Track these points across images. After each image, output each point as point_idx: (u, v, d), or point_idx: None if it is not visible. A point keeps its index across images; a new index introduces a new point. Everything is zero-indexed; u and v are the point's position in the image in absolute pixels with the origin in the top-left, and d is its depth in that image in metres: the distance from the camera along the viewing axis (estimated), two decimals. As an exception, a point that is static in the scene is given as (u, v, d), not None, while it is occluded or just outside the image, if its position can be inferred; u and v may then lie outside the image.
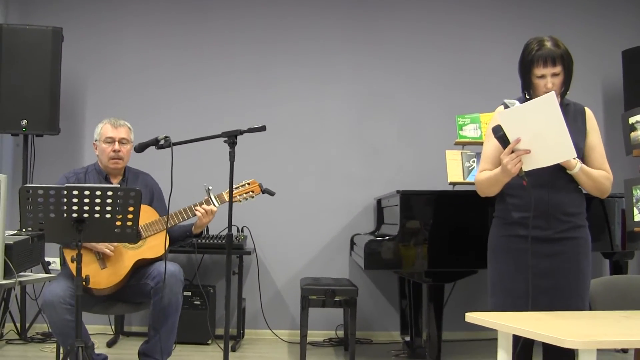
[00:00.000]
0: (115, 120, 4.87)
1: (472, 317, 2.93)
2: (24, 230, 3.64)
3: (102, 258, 4.53)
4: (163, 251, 4.62)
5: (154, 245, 4.63)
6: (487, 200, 3.71)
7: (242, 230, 6.46)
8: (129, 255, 4.58)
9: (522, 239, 3.46)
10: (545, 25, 6.42)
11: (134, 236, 3.81)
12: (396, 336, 6.51)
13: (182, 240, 4.90)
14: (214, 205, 4.66)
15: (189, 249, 5.92)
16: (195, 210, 4.65)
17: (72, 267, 4.16)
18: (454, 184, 5.47)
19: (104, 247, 4.50)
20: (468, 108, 5.97)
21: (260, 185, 4.77)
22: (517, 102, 3.42)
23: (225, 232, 6.02)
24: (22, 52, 5.99)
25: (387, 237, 5.00)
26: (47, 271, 5.69)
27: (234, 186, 4.64)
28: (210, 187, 4.66)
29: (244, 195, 4.74)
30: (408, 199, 5.01)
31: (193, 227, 4.77)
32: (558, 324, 2.79)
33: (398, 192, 5.04)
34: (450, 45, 6.86)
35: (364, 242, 5.04)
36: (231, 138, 4.07)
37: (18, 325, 6.15)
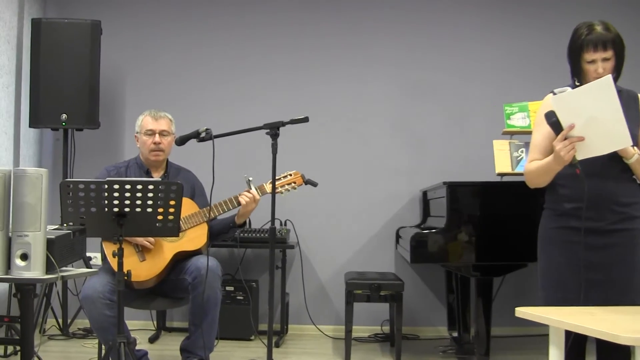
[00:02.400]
0: (155, 112, 4.90)
1: (522, 311, 2.91)
2: (65, 225, 3.68)
3: (141, 251, 4.57)
4: (203, 243, 4.65)
5: (194, 238, 4.66)
6: (537, 191, 3.68)
7: (285, 224, 6.47)
8: (168, 248, 4.61)
9: (573, 231, 3.42)
10: (598, 10, 6.33)
11: (175, 231, 3.83)
12: (443, 332, 6.48)
13: (225, 232, 4.91)
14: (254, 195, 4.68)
15: (231, 243, 5.93)
16: (239, 198, 4.66)
17: (113, 262, 4.21)
18: (502, 174, 5.41)
19: (144, 239, 4.54)
20: (516, 96, 5.92)
21: (302, 176, 4.77)
22: (568, 89, 3.37)
23: (267, 226, 6.05)
24: (61, 47, 6.04)
25: (433, 230, 4.97)
26: (88, 266, 5.75)
27: (278, 177, 4.66)
28: (250, 178, 4.67)
29: (286, 186, 4.74)
30: (455, 190, 4.98)
31: (236, 217, 4.78)
32: (612, 319, 2.75)
33: (444, 183, 5.01)
34: (499, 30, 6.79)
35: (409, 235, 5.02)
36: (273, 130, 4.08)
37: (60, 320, 6.23)
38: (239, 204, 4.67)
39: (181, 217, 4.49)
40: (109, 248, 4.51)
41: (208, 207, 4.59)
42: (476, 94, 6.74)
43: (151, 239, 4.55)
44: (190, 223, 4.64)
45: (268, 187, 4.71)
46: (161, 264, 4.56)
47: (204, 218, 4.65)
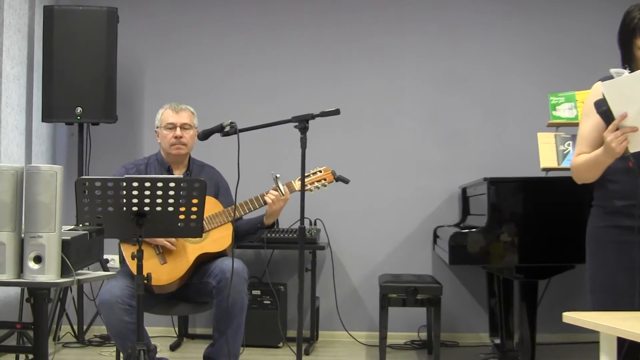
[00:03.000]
0: (176, 105, 4.92)
1: (570, 317, 2.89)
2: (80, 225, 3.69)
3: (162, 252, 4.58)
4: (227, 244, 4.66)
5: (218, 238, 4.66)
6: (585, 187, 3.65)
7: (315, 223, 6.48)
8: (191, 249, 4.61)
9: (626, 230, 3.38)
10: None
11: (198, 231, 3.83)
12: (485, 338, 6.46)
13: (252, 233, 4.91)
14: (282, 193, 4.67)
15: (258, 244, 5.95)
16: (266, 196, 4.66)
17: (132, 264, 4.20)
18: (547, 169, 5.39)
19: (165, 240, 4.56)
20: (562, 85, 5.88)
21: (333, 173, 4.76)
22: (626, 72, 3.30)
23: (296, 226, 6.06)
24: (75, 35, 6.08)
25: (473, 229, 4.96)
26: (105, 269, 5.76)
27: (307, 174, 4.65)
28: (278, 175, 4.65)
29: (316, 183, 4.74)
30: (496, 187, 4.96)
31: (264, 218, 4.78)
32: (669, 324, 2.72)
33: (485, 179, 4.99)
34: (542, 13, 6.75)
35: (448, 235, 5.01)
36: (302, 123, 4.07)
37: (75, 327, 6.26)
38: (265, 202, 4.68)
39: (204, 217, 4.51)
40: (128, 250, 4.52)
41: (233, 206, 4.60)
42: (518, 83, 6.71)
43: (172, 240, 4.56)
44: (214, 223, 4.65)
45: (297, 185, 4.70)
46: (183, 266, 4.57)
47: (229, 218, 4.66)
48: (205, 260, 4.65)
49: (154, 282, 4.29)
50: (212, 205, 4.68)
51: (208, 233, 4.65)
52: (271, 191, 4.65)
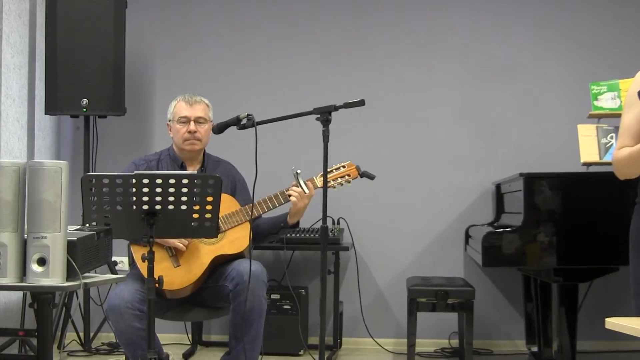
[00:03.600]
0: (190, 97, 4.92)
1: (613, 323, 2.88)
2: (87, 225, 3.70)
3: (175, 255, 4.59)
4: (245, 245, 4.66)
5: (235, 239, 4.67)
6: (629, 183, 3.63)
7: (338, 222, 6.47)
8: (206, 251, 4.62)
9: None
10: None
11: (213, 231, 3.83)
12: (521, 346, 6.44)
13: (274, 233, 4.91)
14: (304, 190, 4.66)
15: (277, 244, 5.96)
16: (288, 193, 4.66)
17: (142, 267, 4.22)
18: (588, 164, 5.37)
19: (176, 242, 4.57)
20: (604, 73, 5.85)
21: (357, 168, 4.76)
22: None
23: (318, 225, 6.07)
24: (80, 21, 6.08)
25: (508, 229, 4.95)
26: (114, 272, 5.79)
27: (329, 169, 4.65)
28: (298, 171, 4.65)
29: (339, 179, 4.73)
30: (533, 183, 4.95)
31: (288, 217, 4.78)
32: None
33: (521, 175, 4.97)
34: (582, -2, 6.75)
35: (481, 235, 5.00)
36: (324, 115, 4.07)
37: (81, 334, 6.27)
38: (285, 200, 4.67)
39: (220, 216, 4.51)
40: (138, 251, 4.53)
41: (251, 205, 4.60)
42: (557, 71, 6.67)
43: (184, 241, 4.57)
44: (231, 223, 4.66)
45: (319, 181, 4.70)
46: (198, 269, 4.57)
47: (247, 217, 4.66)
48: (221, 263, 4.65)
49: (166, 286, 4.31)
50: (228, 204, 4.69)
51: (224, 233, 4.66)
52: (293, 187, 4.65)
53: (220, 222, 4.55)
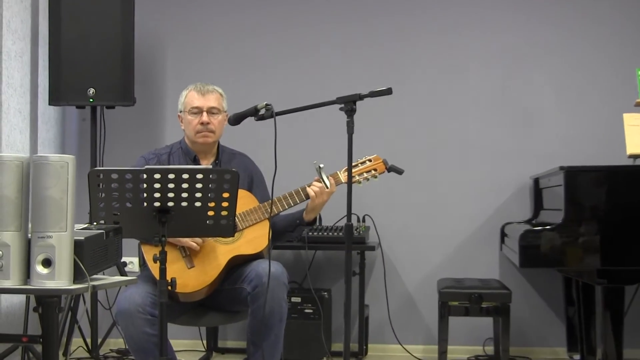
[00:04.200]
0: (202, 86, 4.92)
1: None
2: (95, 223, 3.71)
3: (189, 255, 4.59)
4: (264, 245, 4.65)
5: (253, 239, 4.67)
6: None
7: (364, 220, 6.46)
8: (222, 251, 4.62)
9: None
10: None
11: (230, 229, 3.84)
12: (562, 353, 6.43)
13: (290, 231, 4.91)
14: (326, 185, 4.66)
15: (298, 244, 5.96)
16: (307, 189, 4.66)
17: (154, 268, 4.23)
18: (634, 156, 5.34)
19: (190, 241, 4.57)
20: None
21: (384, 162, 4.75)
22: None
23: (342, 223, 6.05)
24: (87, 6, 6.08)
25: (547, 227, 4.93)
26: (123, 274, 5.79)
27: (355, 163, 4.64)
28: (321, 165, 4.64)
29: (365, 174, 4.73)
30: (575, 177, 4.93)
31: (304, 213, 4.77)
32: None
33: (562, 168, 4.96)
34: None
35: (518, 233, 4.99)
36: (349, 104, 4.06)
37: (88, 340, 6.27)
38: (307, 196, 4.68)
39: (237, 214, 4.51)
40: (149, 251, 4.51)
41: (270, 201, 4.60)
42: (600, 56, 6.64)
43: (198, 240, 4.57)
44: (249, 221, 4.66)
45: (343, 176, 4.70)
46: (214, 271, 4.57)
47: (266, 214, 4.66)
48: (238, 264, 4.65)
49: (179, 289, 4.30)
50: (246, 200, 4.69)
51: (242, 232, 4.66)
52: (314, 183, 4.65)
53: (237, 220, 4.55)
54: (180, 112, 4.95)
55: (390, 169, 4.73)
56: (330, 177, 4.67)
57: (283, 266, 4.62)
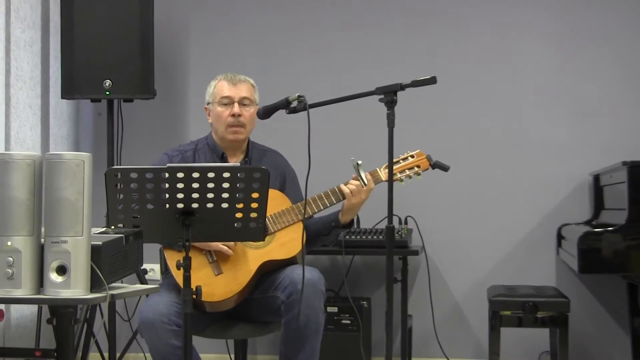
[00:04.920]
0: (233, 76, 4.94)
1: None
2: (112, 227, 3.74)
3: (216, 261, 4.60)
4: (298, 249, 4.64)
5: (286, 242, 4.66)
6: None
7: (406, 222, 6.43)
8: (253, 256, 4.63)
9: None
10: None
11: (259, 233, 3.85)
12: (626, 368, 6.42)
13: (325, 235, 4.91)
14: (364, 182, 4.65)
15: (334, 248, 5.96)
16: (343, 188, 4.66)
17: (178, 275, 4.24)
18: None
19: (220, 244, 4.56)
20: None
21: (428, 158, 4.75)
22: None
23: (382, 225, 6.03)
24: (103, -9, 6.14)
25: (609, 228, 4.92)
26: (143, 281, 5.80)
27: (396, 160, 4.64)
28: (359, 162, 4.63)
29: (407, 171, 4.73)
30: (640, 173, 4.93)
31: (340, 214, 4.77)
32: None
33: (625, 163, 4.94)
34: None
35: (577, 236, 4.98)
36: (389, 95, 4.06)
37: (106, 355, 6.27)
38: (343, 196, 4.68)
39: (268, 215, 4.53)
40: (173, 257, 4.54)
41: (303, 201, 4.60)
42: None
43: (230, 244, 4.58)
44: (281, 223, 4.67)
45: (383, 173, 4.70)
46: (243, 277, 4.58)
47: (299, 216, 4.68)
48: (269, 270, 4.66)
49: (206, 298, 4.32)
50: (278, 201, 4.70)
51: (273, 235, 4.67)
52: (351, 181, 4.65)
53: (268, 222, 4.58)
54: (208, 103, 4.97)
55: (435, 165, 4.72)
56: (368, 174, 4.67)
57: (320, 272, 4.63)
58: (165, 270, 4.78)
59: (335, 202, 4.69)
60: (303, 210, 4.62)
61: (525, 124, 6.69)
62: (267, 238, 4.59)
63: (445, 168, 4.71)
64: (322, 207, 4.68)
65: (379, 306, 6.22)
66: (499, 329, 5.47)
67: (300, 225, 4.65)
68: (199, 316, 4.46)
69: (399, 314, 6.20)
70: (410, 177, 4.73)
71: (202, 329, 4.66)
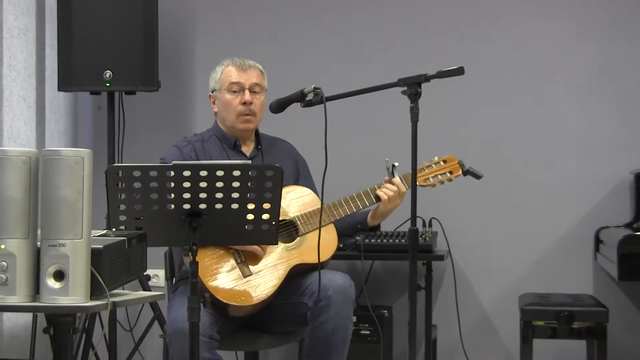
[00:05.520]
0: (242, 61, 4.96)
1: None
2: (114, 229, 3.74)
3: (245, 261, 4.58)
4: (332, 253, 4.68)
5: (321, 245, 4.56)
6: None
7: (430, 224, 6.43)
8: (283, 258, 4.64)
9: None
10: None
11: (273, 235, 3.86)
12: (669, 383, 6.42)
13: (348, 235, 4.92)
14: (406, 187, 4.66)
15: (353, 252, 5.95)
16: (379, 191, 4.66)
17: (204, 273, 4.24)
18: None
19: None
20: None
21: (460, 164, 4.75)
22: None
23: (404, 228, 6.05)
24: (104, -24, 6.15)
25: (652, 231, 4.93)
26: (145, 288, 5.79)
27: (424, 165, 4.65)
28: (395, 164, 4.65)
29: (439, 177, 4.74)
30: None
31: (369, 217, 4.78)
32: None
33: (670, 161, 4.96)
34: None
35: (616, 240, 4.98)
36: (413, 87, 4.05)
37: (105, 369, 6.34)
38: (377, 199, 4.69)
39: (300, 215, 4.57)
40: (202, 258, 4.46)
41: (335, 202, 4.62)
42: None
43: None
44: (313, 224, 4.67)
45: (419, 178, 4.68)
46: (275, 281, 4.58)
47: (331, 217, 4.69)
48: (297, 274, 4.67)
49: (234, 301, 4.32)
50: (309, 199, 4.75)
51: (304, 237, 4.69)
52: (388, 185, 4.66)
53: (298, 222, 4.62)
54: (214, 91, 4.98)
55: (467, 172, 4.73)
56: (401, 178, 4.68)
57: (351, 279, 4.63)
58: (170, 276, 4.77)
59: (368, 205, 4.72)
60: (334, 212, 4.70)
61: (560, 118, 6.67)
62: (298, 239, 4.62)
63: (478, 176, 4.74)
64: (354, 210, 4.71)
65: (401, 315, 6.22)
66: (532, 340, 5.47)
67: (332, 228, 4.69)
68: (222, 323, 4.45)
69: (423, 324, 6.19)
70: (442, 182, 4.76)
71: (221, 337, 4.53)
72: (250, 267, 4.57)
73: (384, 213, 4.73)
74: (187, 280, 4.63)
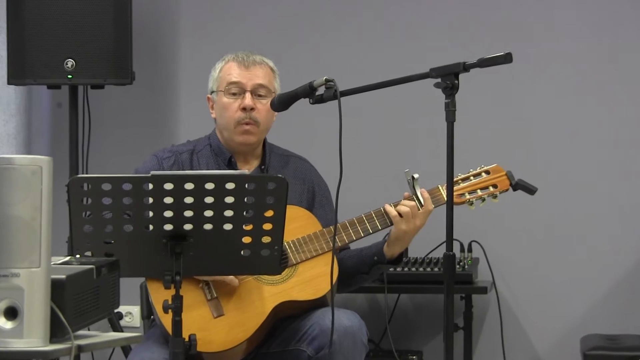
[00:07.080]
0: (246, 56, 4.91)
1: None
2: (78, 255, 3.74)
3: (216, 297, 4.54)
4: (327, 288, 4.59)
5: (312, 278, 4.62)
6: None
7: (470, 249, 6.42)
8: (267, 294, 4.59)
9: None
10: None
11: (275, 263, 3.85)
12: None
13: (365, 272, 4.84)
14: (420, 203, 4.62)
15: (374, 284, 5.94)
16: (390, 210, 4.61)
17: (166, 319, 4.24)
18: None
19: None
20: None
21: (509, 176, 4.69)
22: None
23: (437, 254, 6.06)
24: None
25: None
26: (116, 328, 5.80)
27: (459, 177, 4.63)
28: (415, 176, 4.60)
29: (479, 192, 4.67)
30: None
31: (385, 246, 4.74)
32: None
33: None
34: None
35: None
36: (447, 79, 4.02)
37: None
38: (392, 221, 4.68)
39: (289, 241, 4.53)
40: (160, 294, 4.37)
41: (343, 223, 4.60)
42: None
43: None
44: (306, 252, 4.63)
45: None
46: (253, 322, 4.53)
47: (330, 243, 4.64)
48: (290, 314, 4.63)
49: (202, 347, 4.26)
50: (304, 222, 4.69)
51: (295, 268, 4.63)
52: (404, 201, 4.62)
53: (288, 249, 4.57)
54: (212, 92, 4.94)
55: (517, 186, 4.65)
56: (425, 192, 4.63)
57: (360, 318, 4.60)
58: (147, 314, 4.78)
59: (380, 228, 4.66)
60: (335, 237, 4.47)
61: (628, 123, 6.68)
62: (286, 271, 4.56)
63: (531, 190, 4.66)
64: (362, 234, 4.65)
65: (434, 362, 6.25)
66: (597, 390, 5.50)
67: (329, 256, 4.54)
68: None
69: (462, 373, 6.23)
70: (483, 199, 4.68)
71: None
72: (224, 305, 4.51)
73: (401, 237, 4.60)
74: (153, 322, 4.67)
